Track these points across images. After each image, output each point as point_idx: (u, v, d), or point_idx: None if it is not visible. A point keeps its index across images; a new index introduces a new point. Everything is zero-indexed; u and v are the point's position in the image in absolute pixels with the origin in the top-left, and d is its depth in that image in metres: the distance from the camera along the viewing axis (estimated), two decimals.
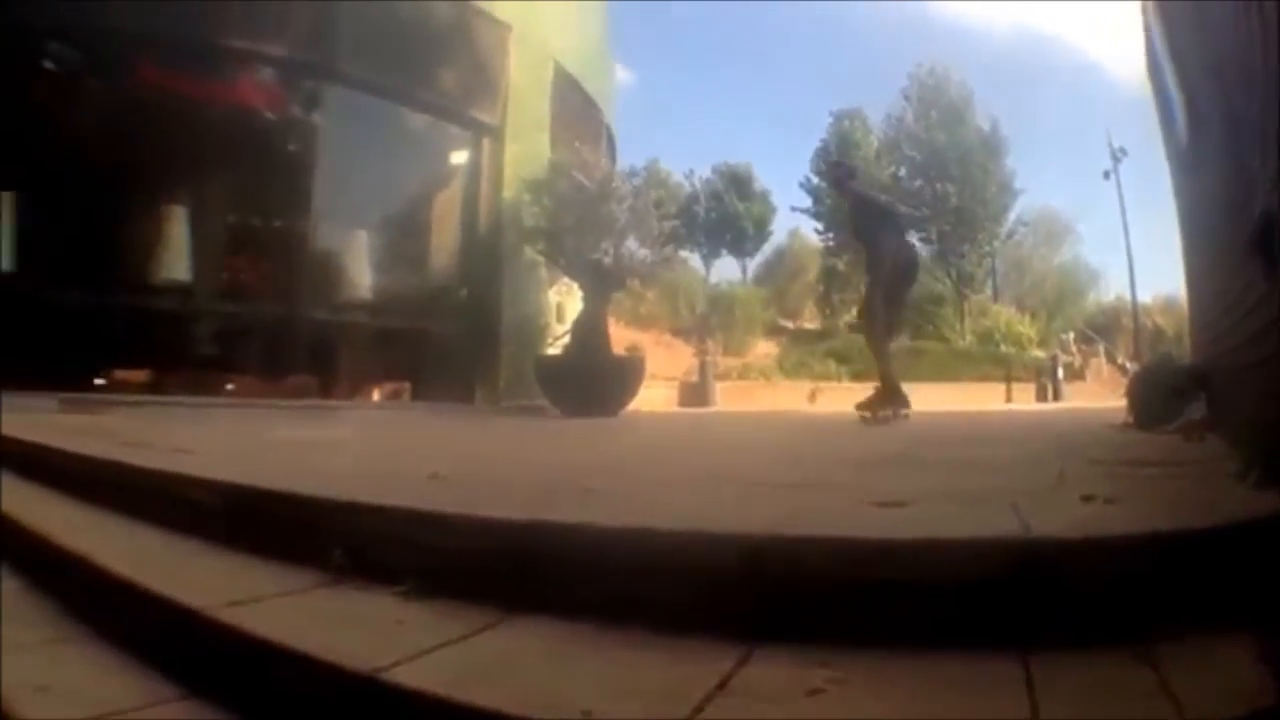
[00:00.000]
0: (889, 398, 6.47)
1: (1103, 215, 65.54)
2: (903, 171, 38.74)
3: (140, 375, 9.84)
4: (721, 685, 1.20)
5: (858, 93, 50.23)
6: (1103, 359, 28.52)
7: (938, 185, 36.95)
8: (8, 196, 9.22)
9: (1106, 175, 29.33)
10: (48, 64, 9.57)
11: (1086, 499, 1.90)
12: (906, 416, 6.52)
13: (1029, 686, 1.19)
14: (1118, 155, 28.71)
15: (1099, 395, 19.37)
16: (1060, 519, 1.70)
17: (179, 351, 9.88)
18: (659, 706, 1.17)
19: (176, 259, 9.94)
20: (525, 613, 1.55)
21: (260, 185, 10.69)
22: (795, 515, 1.88)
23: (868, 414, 6.36)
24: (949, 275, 37.19)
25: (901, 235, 6.80)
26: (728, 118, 74.20)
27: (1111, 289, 44.44)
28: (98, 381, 9.26)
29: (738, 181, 40.66)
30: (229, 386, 9.95)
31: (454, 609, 1.59)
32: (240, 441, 4.86)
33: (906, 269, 6.80)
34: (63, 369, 8.47)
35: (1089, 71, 69.03)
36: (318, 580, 1.85)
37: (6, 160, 9.31)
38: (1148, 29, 5.80)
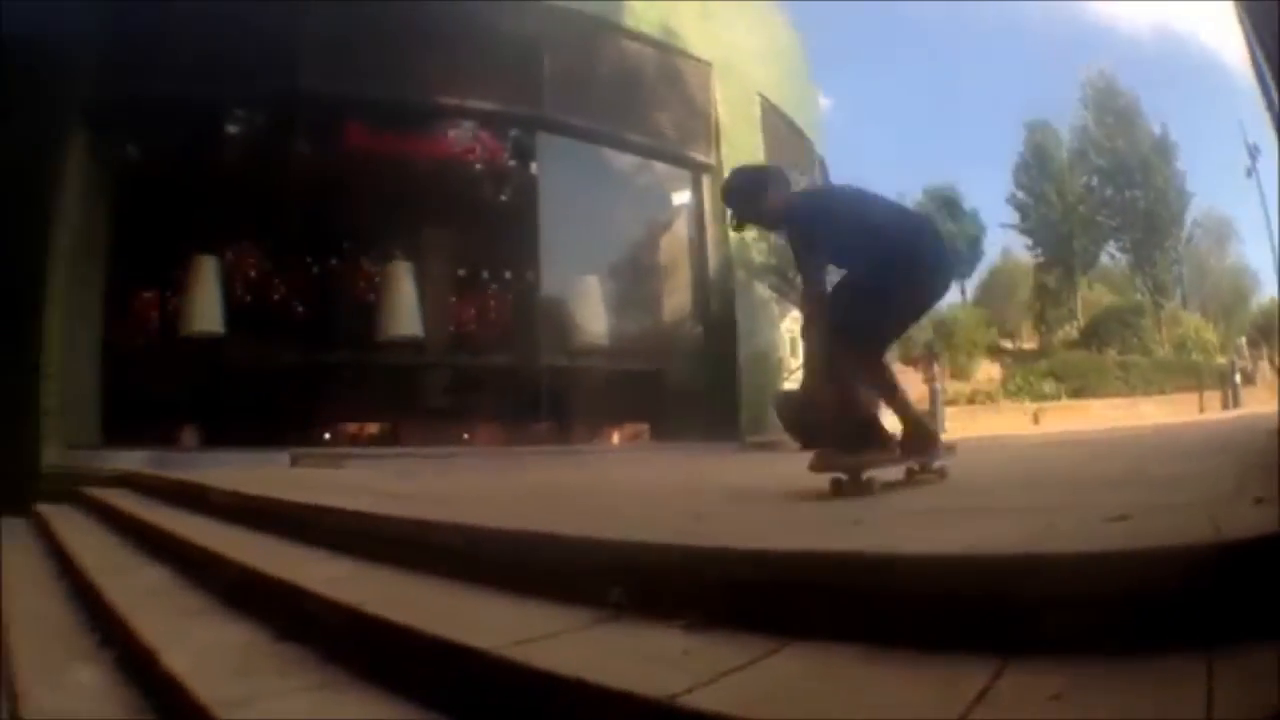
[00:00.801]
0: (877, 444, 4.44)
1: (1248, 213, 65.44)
2: (1094, 181, 43.05)
3: (371, 428, 11.11)
4: (979, 697, 1.42)
5: (1035, 99, 53.26)
6: (1266, 362, 30.52)
7: (1126, 192, 41.21)
8: (212, 261, 10.81)
9: (1248, 173, 31.16)
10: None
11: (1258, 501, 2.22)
12: (940, 470, 4.67)
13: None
14: (1253, 152, 30.34)
15: (1268, 400, 20.82)
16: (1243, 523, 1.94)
17: (413, 404, 11.26)
18: (929, 715, 1.41)
19: (406, 313, 11.17)
20: (802, 639, 1.79)
21: (486, 237, 12.09)
22: (1039, 535, 2.15)
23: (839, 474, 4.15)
24: (1145, 285, 41.08)
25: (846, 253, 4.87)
26: (928, 137, 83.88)
27: (1265, 289, 46.76)
28: (325, 436, 10.59)
29: (948, 203, 42.22)
30: (465, 436, 11.14)
31: (734, 638, 1.83)
32: (493, 488, 5.51)
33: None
34: (289, 426, 9.81)
35: (1221, 69, 69.12)
36: (596, 617, 2.13)
37: (224, 227, 10.93)
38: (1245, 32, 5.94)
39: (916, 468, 4.60)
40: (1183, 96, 71.88)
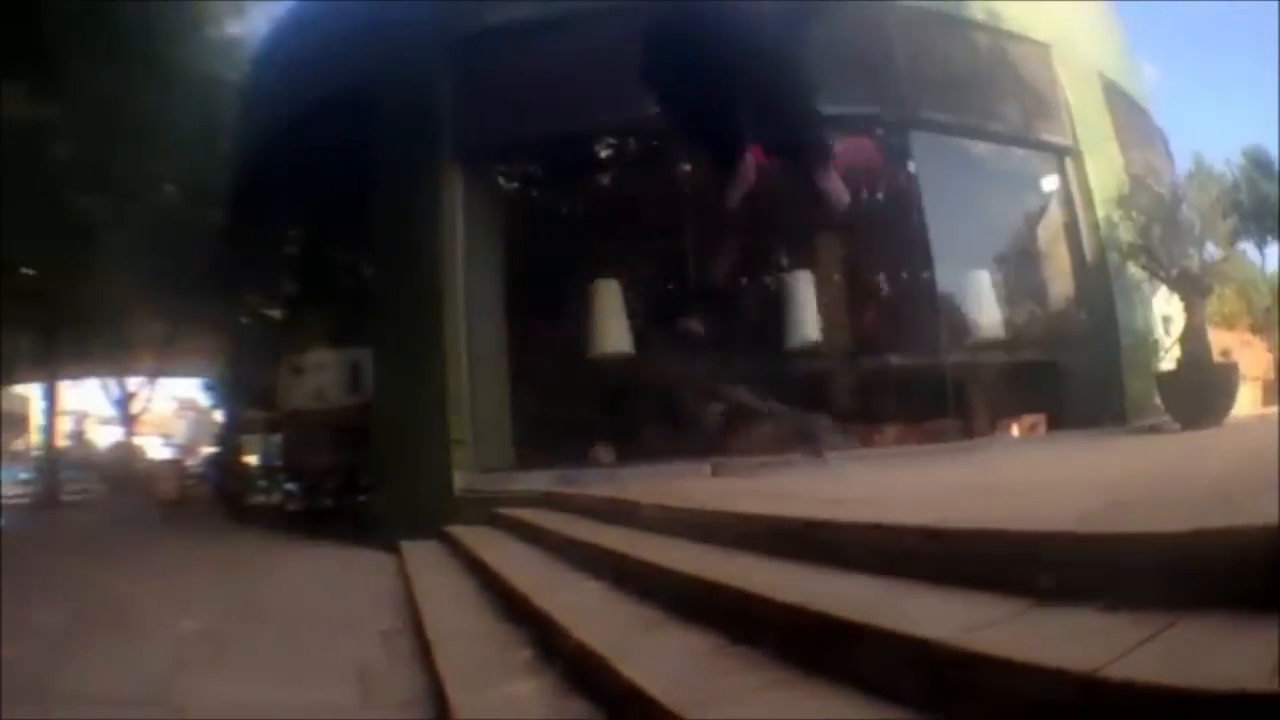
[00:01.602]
0: None
1: None
2: None
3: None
4: None
5: None
6: None
7: None
8: (613, 285, 12.41)
9: None
10: None
11: None
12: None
13: None
14: None
15: None
16: None
17: (820, 408, 12.23)
18: None
19: (808, 320, 12.47)
20: (1198, 611, 2.20)
21: (872, 238, 13.37)
22: None
23: None
24: None
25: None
26: (1241, 95, 72.15)
27: None
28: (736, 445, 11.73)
29: (1260, 163, 39.92)
30: (874, 437, 12.00)
31: (1141, 615, 2.24)
32: (911, 486, 6.09)
33: None
34: (702, 437, 11.20)
35: None
36: (1029, 604, 2.56)
37: (617, 250, 12.63)
38: None
39: None
40: None
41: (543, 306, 12.84)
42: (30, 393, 60.70)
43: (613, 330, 12.28)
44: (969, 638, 2.34)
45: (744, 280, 13.86)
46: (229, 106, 22.35)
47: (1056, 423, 12.50)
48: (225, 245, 19.93)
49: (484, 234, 11.89)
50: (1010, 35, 13.56)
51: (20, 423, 60.42)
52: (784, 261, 13.53)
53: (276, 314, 21.74)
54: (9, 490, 31.58)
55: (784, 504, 4.90)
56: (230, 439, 22.32)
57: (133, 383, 41.70)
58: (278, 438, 19.76)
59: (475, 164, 12.10)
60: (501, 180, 13.16)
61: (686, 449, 10.88)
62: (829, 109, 12.19)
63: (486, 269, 11.76)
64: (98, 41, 17.38)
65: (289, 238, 19.57)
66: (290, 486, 18.02)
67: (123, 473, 36.73)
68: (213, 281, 22.04)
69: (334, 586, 8.62)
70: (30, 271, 24.84)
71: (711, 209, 11.56)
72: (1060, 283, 13.93)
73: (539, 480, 9.94)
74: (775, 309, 12.86)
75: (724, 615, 3.46)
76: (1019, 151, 14.04)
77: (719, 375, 12.39)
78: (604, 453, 11.44)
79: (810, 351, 12.55)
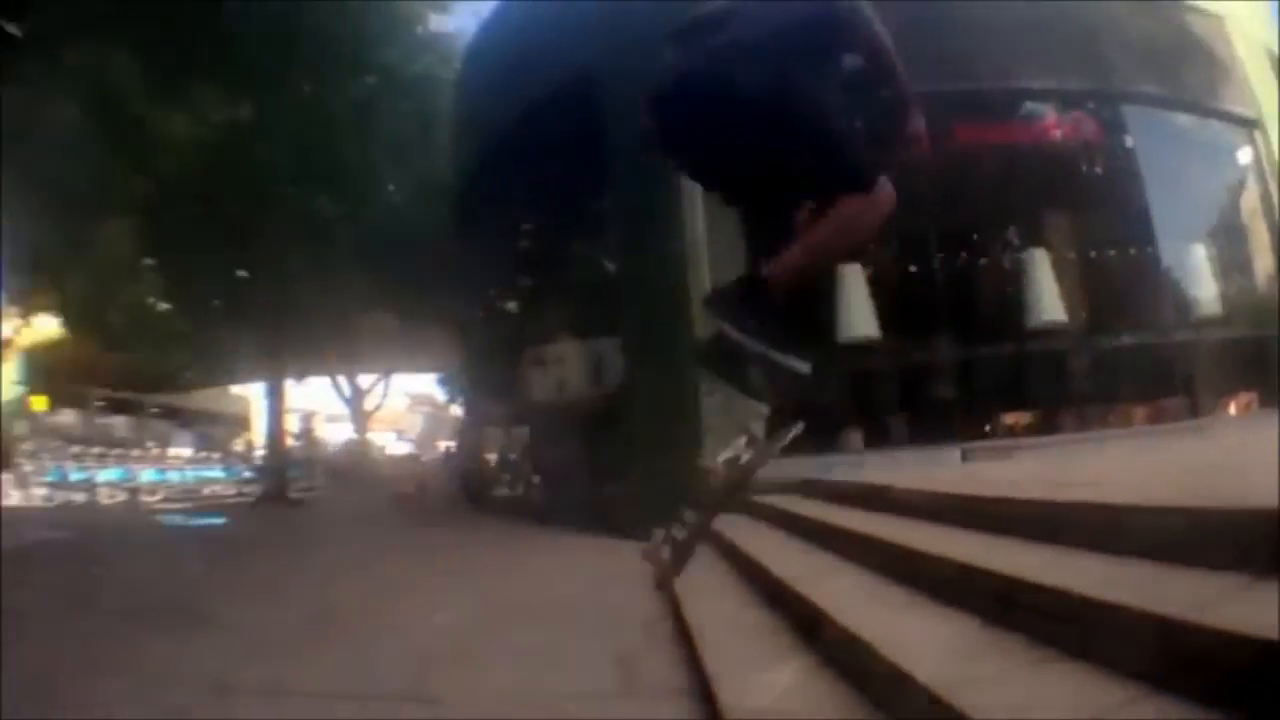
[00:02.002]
0: None
1: None
2: None
3: (1027, 418, 12.24)
4: None
5: None
6: None
7: None
8: (856, 268, 12.44)
9: None
10: None
11: None
12: None
13: None
14: None
15: None
16: None
17: (1060, 390, 12.61)
18: None
19: (1049, 300, 12.57)
20: None
21: (1094, 215, 13.74)
22: None
23: None
24: None
25: None
26: None
27: None
28: (985, 429, 11.95)
29: None
30: (1109, 418, 12.36)
31: None
32: (1157, 467, 6.22)
33: None
34: (951, 422, 11.45)
35: None
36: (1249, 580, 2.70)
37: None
38: None
39: None
40: None
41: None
42: (249, 393, 63.98)
43: (859, 314, 12.41)
44: (1201, 613, 2.54)
45: (982, 261, 13.88)
46: (447, 103, 22.95)
47: (1272, 400, 12.43)
48: (457, 241, 20.49)
49: (720, 218, 12.06)
50: (1189, 8, 13.89)
51: (240, 423, 63.60)
52: (1015, 240, 13.63)
53: (512, 307, 22.32)
54: (232, 490, 32.93)
55: (1036, 488, 4.96)
56: (471, 433, 23.05)
57: (365, 380, 42.65)
58: (518, 431, 20.35)
59: None
60: None
61: (934, 433, 11.25)
62: (1041, 84, 12.56)
63: (726, 254, 11.92)
64: (308, 47, 18.16)
65: (523, 231, 20.08)
66: (534, 478, 18.51)
67: (355, 469, 38.12)
68: (445, 277, 22.72)
69: (588, 577, 8.94)
70: (245, 274, 26.02)
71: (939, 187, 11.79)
72: (1262, 257, 14.07)
73: (790, 467, 10.07)
74: (1002, 289, 13.26)
75: (980, 598, 3.63)
76: (1215, 124, 14.20)
77: (960, 358, 12.68)
78: (854, 439, 11.58)
79: (1049, 331, 12.65)
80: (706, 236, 11.95)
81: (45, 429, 41.46)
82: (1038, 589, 3.30)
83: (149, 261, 19.47)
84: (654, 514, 10.57)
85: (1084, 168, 13.46)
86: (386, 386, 44.46)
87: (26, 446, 28.48)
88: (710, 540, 8.09)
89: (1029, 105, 13.21)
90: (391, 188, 26.65)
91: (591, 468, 15.02)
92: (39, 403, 48.16)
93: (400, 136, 25.02)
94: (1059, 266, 12.93)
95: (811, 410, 5.31)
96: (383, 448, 50.03)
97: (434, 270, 24.23)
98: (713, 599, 6.21)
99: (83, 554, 14.06)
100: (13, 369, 41.86)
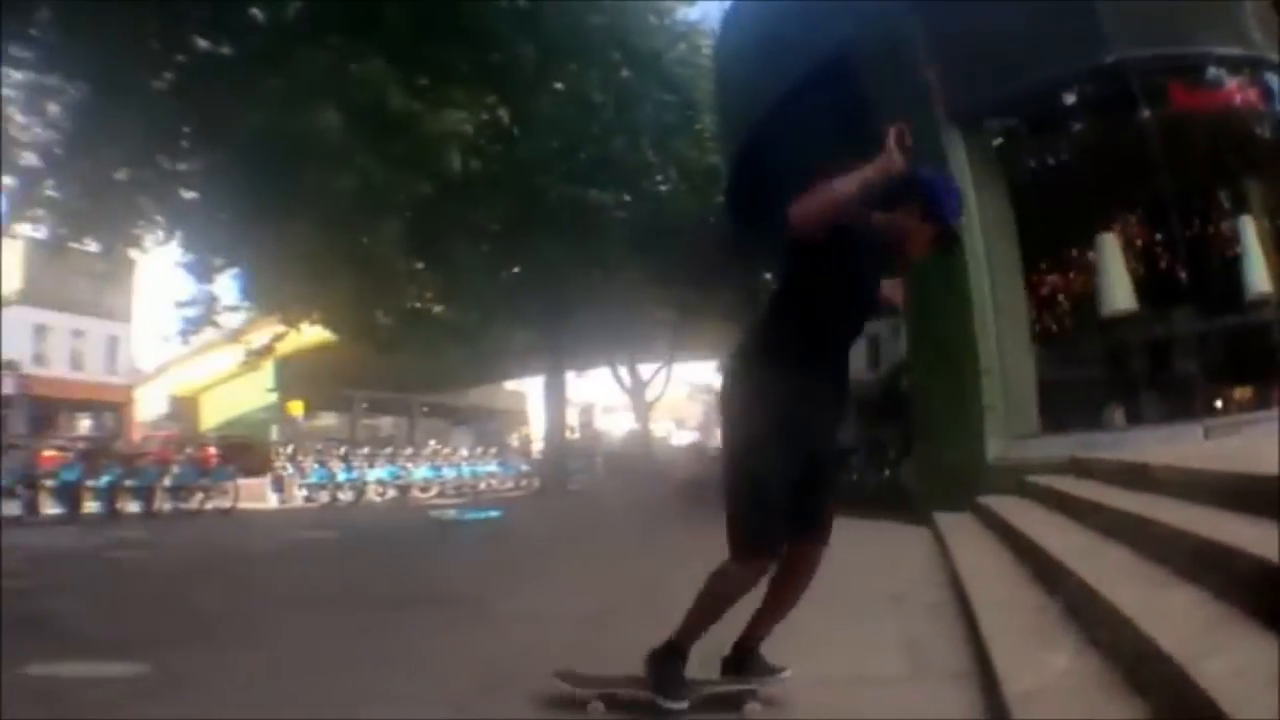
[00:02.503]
0: None
1: None
2: None
3: (1246, 393, 12.20)
4: None
5: None
6: None
7: None
8: (1112, 239, 12.67)
9: None
10: None
11: None
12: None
13: None
14: None
15: None
16: None
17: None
18: None
19: (1261, 270, 12.40)
20: None
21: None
22: None
23: None
24: None
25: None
26: None
27: None
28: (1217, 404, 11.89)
29: None
30: None
31: None
32: None
33: None
34: (1199, 396, 11.60)
35: None
36: None
37: (1105, 203, 13.05)
38: None
39: None
40: None
41: (1049, 265, 13.07)
42: (524, 388, 65.67)
43: (1118, 287, 12.46)
44: None
45: (1209, 229, 13.65)
46: (704, 90, 23.20)
47: None
48: (728, 227, 20.79)
49: (989, 194, 12.23)
50: None
51: (516, 418, 65.44)
52: (1226, 206, 13.43)
53: None
54: (509, 483, 33.92)
55: None
56: None
57: (645, 370, 43.28)
58: None
59: (966, 124, 12.58)
60: (991, 138, 13.41)
61: (1176, 408, 11.42)
62: (1225, 49, 12.15)
63: (998, 230, 12.11)
64: (566, 41, 18.64)
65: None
66: None
67: (635, 460, 38.62)
68: (719, 264, 23.04)
69: (873, 561, 9.11)
70: (517, 270, 26.73)
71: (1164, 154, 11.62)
72: None
73: (1060, 445, 10.24)
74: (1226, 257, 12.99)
75: (1225, 573, 3.83)
76: None
77: (1199, 330, 12.56)
78: (1117, 415, 11.65)
79: (1261, 302, 12.39)
80: (977, 208, 11.95)
81: (304, 433, 43.61)
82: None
83: (419, 264, 20.11)
84: (936, 496, 10.86)
85: (1261, 133, 13.16)
86: (668, 376, 44.93)
87: (285, 450, 29.97)
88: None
89: (1213, 70, 12.85)
90: (659, 177, 27.10)
91: (872, 452, 15.26)
92: (295, 407, 50.79)
93: (664, 125, 25.54)
94: (1261, 235, 12.71)
95: None
96: (664, 438, 50.67)
97: (708, 258, 24.69)
98: (993, 582, 6.44)
99: (345, 550, 14.97)
100: (267, 377, 44.33)
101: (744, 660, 4.82)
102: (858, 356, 16.21)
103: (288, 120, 12.53)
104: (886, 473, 14.59)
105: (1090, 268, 12.89)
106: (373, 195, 13.33)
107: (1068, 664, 4.11)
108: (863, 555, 9.44)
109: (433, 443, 38.17)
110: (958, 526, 9.39)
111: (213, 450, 29.07)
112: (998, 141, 13.46)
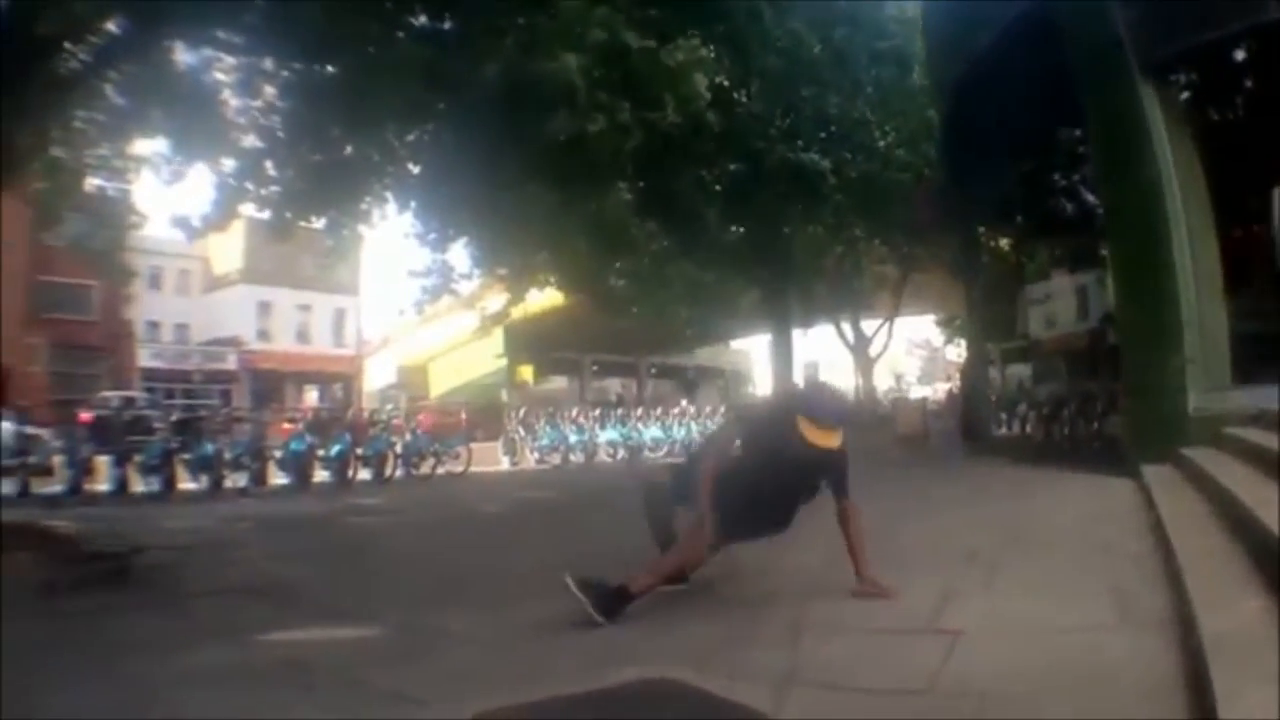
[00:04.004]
0: None
1: None
2: None
3: None
4: None
5: None
6: None
7: None
8: None
9: None
10: None
11: None
12: None
13: None
14: None
15: None
16: None
17: None
18: None
19: None
20: None
21: None
22: None
23: None
24: None
25: None
26: None
27: None
28: None
29: None
30: None
31: None
32: None
33: None
34: None
35: None
36: None
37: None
38: None
39: None
40: None
41: (1238, 218, 12.95)
42: (748, 347, 65.84)
43: None
44: None
45: None
46: (916, 46, 23.18)
47: None
48: (946, 182, 20.82)
49: (1181, 149, 12.15)
50: None
51: (742, 377, 65.67)
52: None
53: (1005, 245, 22.45)
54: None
55: None
56: (973, 373, 23.39)
57: (868, 326, 43.52)
58: (1013, 369, 20.62)
59: (1157, 76, 12.39)
60: (1178, 91, 13.31)
61: None
62: None
63: (1190, 184, 12.05)
64: None
65: (1005, 167, 20.15)
66: (1029, 416, 18.74)
67: (860, 414, 38.75)
68: (939, 220, 23.06)
69: (1083, 512, 9.23)
70: (740, 229, 26.68)
71: None
72: None
73: (1255, 397, 10.21)
74: None
75: None
76: None
77: None
78: None
79: None
80: (1172, 160, 11.93)
81: (534, 396, 44.44)
82: None
83: (649, 225, 20.12)
84: (1139, 449, 10.91)
85: None
86: (890, 331, 44.80)
87: (517, 413, 30.49)
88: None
89: None
90: (877, 133, 27.09)
91: (1081, 405, 15.25)
92: (525, 372, 51.95)
93: (880, 82, 25.56)
94: None
95: None
96: (887, 392, 50.51)
97: (926, 213, 24.73)
98: (1195, 534, 6.56)
99: (577, 511, 15.09)
100: (496, 343, 45.31)
101: None
102: (1067, 308, 16.32)
103: (529, 67, 12.50)
104: (1095, 425, 14.58)
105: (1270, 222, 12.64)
106: (618, 137, 13.29)
107: (1260, 608, 4.37)
108: (1073, 506, 9.62)
109: (652, 403, 38.50)
110: (1161, 478, 9.47)
111: (463, 415, 29.85)
112: (1188, 94, 13.27)
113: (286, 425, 24.39)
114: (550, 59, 12.24)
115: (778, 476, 6.38)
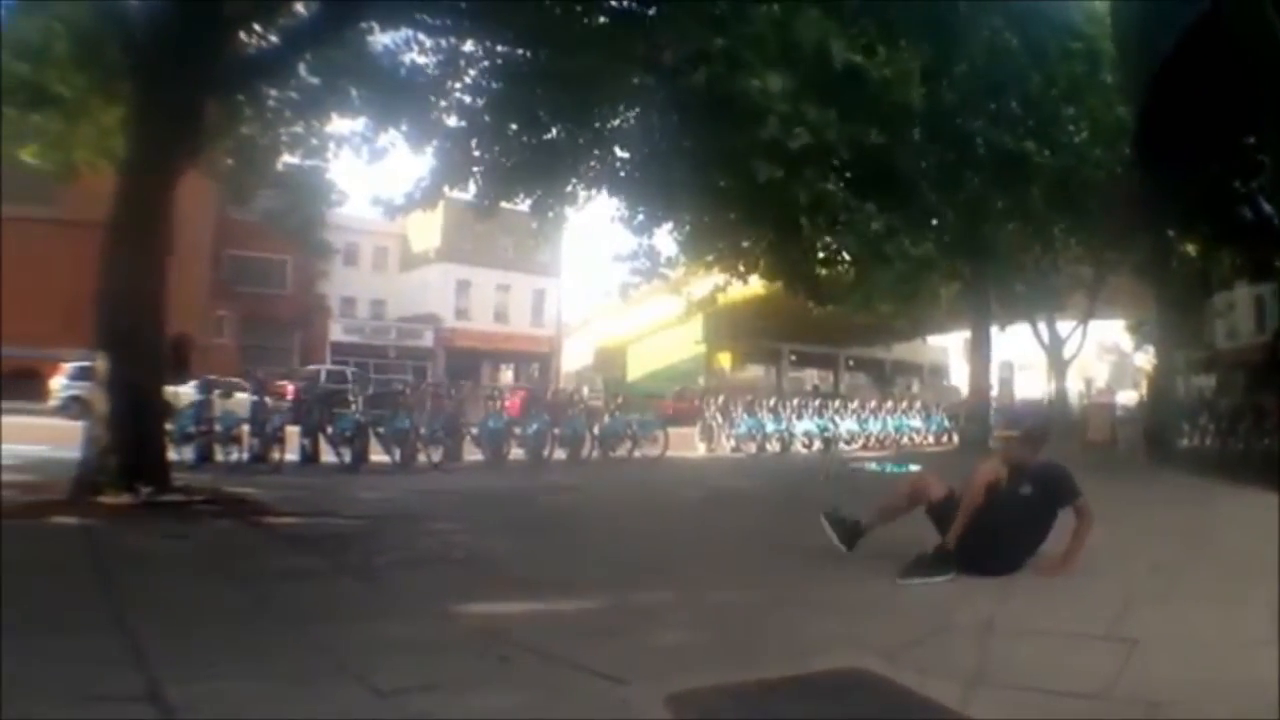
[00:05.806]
0: None
1: None
2: None
3: None
4: None
5: None
6: None
7: None
8: None
9: None
10: None
11: None
12: None
13: None
14: None
15: None
16: None
17: None
18: None
19: None
20: None
21: None
22: None
23: None
24: None
25: None
26: None
27: None
28: None
29: None
30: None
31: None
32: None
33: None
34: None
35: None
36: None
37: None
38: None
39: None
40: None
41: None
42: (946, 343, 65.13)
43: None
44: None
45: None
46: (1102, 44, 22.88)
47: None
48: (1137, 183, 20.55)
49: None
50: None
51: (939, 372, 65.04)
52: None
53: (1192, 252, 22.07)
54: (930, 438, 33.52)
55: None
56: (1161, 382, 22.99)
57: (1063, 328, 42.97)
58: (1197, 379, 20.33)
59: None
60: None
61: None
62: None
63: None
64: None
65: (1191, 171, 19.81)
66: (1210, 429, 18.46)
67: (1051, 417, 38.07)
68: (1130, 221, 22.72)
69: (1253, 528, 9.30)
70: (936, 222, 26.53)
71: None
72: None
73: None
74: None
75: None
76: None
77: None
78: None
79: None
80: None
81: (730, 384, 44.54)
82: None
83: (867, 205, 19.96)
84: None
85: None
86: (1084, 334, 43.94)
87: (715, 400, 30.49)
88: None
89: None
90: (1072, 128, 26.73)
91: (1256, 419, 15.02)
92: (724, 359, 52.21)
93: (1073, 76, 25.28)
94: None
95: None
96: (1078, 395, 49.50)
97: (1120, 213, 24.41)
98: None
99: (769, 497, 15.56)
100: (695, 329, 45.59)
101: None
102: (1247, 320, 16.08)
103: (735, 80, 12.57)
104: (1267, 441, 14.39)
105: None
106: (823, 150, 13.36)
107: None
108: (1242, 522, 9.64)
109: (849, 395, 38.43)
110: None
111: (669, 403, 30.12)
112: None
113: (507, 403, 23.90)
114: (754, 75, 12.42)
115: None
